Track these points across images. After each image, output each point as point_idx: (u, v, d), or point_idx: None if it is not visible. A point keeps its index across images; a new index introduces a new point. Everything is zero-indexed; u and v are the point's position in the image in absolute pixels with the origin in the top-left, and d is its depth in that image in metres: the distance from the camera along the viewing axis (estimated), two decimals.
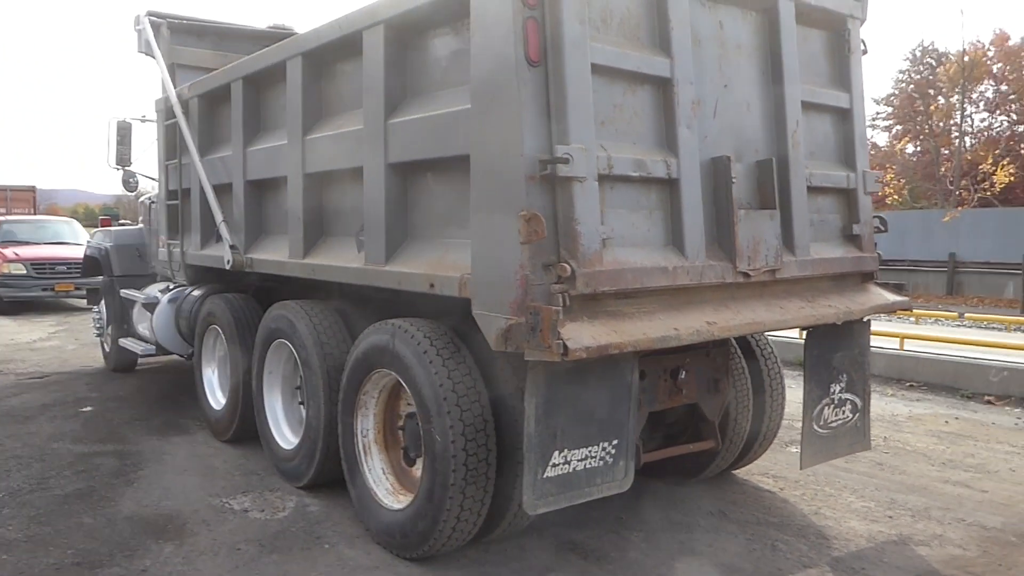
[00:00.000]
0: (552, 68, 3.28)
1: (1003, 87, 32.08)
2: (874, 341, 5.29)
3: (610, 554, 4.22)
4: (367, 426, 4.44)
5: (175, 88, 6.68)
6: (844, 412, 4.76)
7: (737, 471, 5.51)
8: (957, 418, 7.38)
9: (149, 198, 8.52)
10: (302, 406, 5.43)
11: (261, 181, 5.57)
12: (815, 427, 4.61)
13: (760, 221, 3.98)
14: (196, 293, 7.11)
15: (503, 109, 3.29)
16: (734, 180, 3.82)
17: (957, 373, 8.48)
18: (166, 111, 6.93)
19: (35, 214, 24.36)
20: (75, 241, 16.38)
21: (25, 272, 14.83)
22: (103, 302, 8.98)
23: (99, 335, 9.18)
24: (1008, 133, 31.92)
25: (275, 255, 5.35)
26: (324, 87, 4.82)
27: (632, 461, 3.76)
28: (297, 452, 5.08)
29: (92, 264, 9.36)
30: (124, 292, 8.13)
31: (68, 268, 14.96)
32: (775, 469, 5.67)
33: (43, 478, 5.36)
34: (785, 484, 5.36)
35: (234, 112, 5.74)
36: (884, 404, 7.79)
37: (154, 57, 7.15)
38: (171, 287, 7.56)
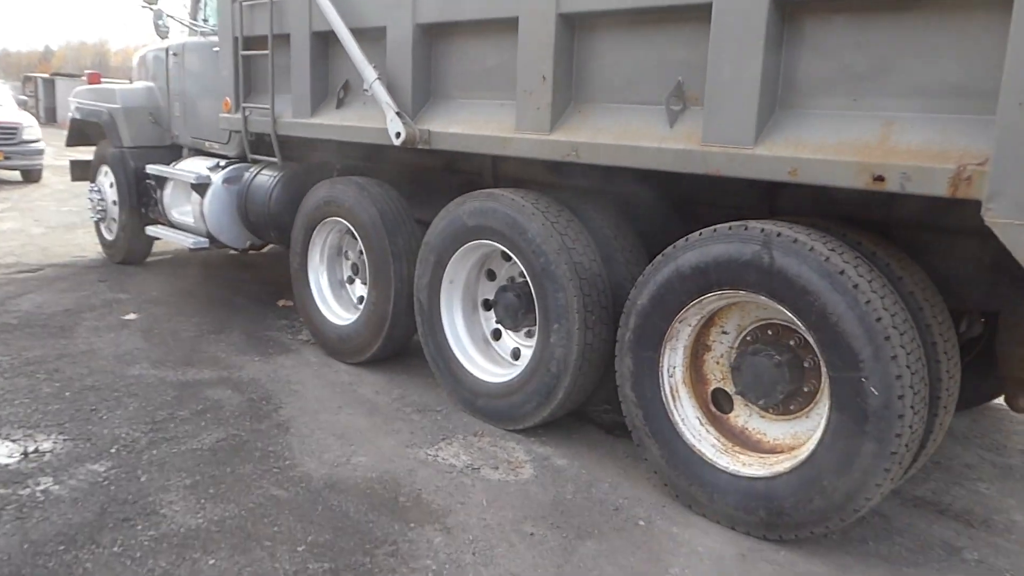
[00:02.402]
0: None
1: None
2: None
3: (973, 510, 3.42)
4: (675, 362, 3.33)
5: None
6: None
7: None
8: None
9: (169, 50, 6.69)
10: (500, 325, 4.24)
11: (445, 25, 4.09)
12: None
13: None
14: (269, 173, 5.61)
15: None
16: None
17: None
18: None
19: None
20: None
21: None
22: (105, 179, 7.19)
23: (99, 219, 7.40)
24: None
25: (479, 128, 3.95)
26: None
27: None
28: (518, 387, 3.91)
29: (83, 129, 7.47)
30: (153, 169, 6.42)
31: None
32: None
33: (154, 422, 3.99)
34: None
35: None
36: None
37: None
38: (221, 164, 6.00)
